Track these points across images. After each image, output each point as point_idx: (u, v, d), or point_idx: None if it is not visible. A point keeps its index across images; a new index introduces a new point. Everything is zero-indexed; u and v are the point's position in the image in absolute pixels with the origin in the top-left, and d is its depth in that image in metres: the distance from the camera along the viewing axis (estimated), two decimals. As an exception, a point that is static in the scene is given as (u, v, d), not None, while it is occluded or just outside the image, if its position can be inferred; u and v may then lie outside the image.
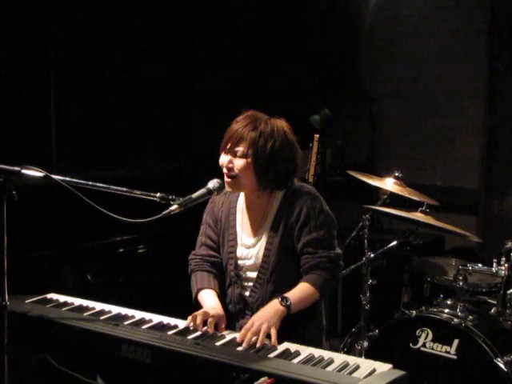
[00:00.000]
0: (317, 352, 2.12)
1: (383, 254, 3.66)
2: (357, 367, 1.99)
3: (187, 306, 2.58)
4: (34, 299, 2.60)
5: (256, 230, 2.60)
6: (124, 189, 2.31)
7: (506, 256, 3.24)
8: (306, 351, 2.13)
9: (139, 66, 4.77)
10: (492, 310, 3.29)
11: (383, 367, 2.00)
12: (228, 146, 2.50)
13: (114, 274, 3.86)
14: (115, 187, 2.30)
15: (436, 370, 3.21)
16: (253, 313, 2.55)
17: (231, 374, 1.94)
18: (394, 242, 3.63)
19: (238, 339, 2.19)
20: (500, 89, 4.80)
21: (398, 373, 1.96)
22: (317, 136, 3.63)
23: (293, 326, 2.41)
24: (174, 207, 2.29)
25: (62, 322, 2.30)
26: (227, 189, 2.55)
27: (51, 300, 2.62)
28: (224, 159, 2.52)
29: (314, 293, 2.45)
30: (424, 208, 3.48)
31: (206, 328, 2.31)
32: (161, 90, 4.95)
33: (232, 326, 2.50)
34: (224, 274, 2.68)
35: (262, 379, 1.88)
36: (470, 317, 3.26)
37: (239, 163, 2.48)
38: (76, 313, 2.46)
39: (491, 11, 4.81)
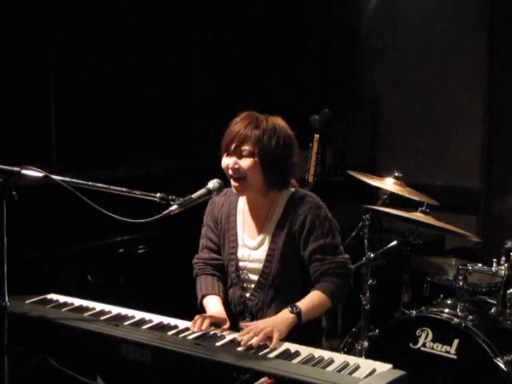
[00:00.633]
0: (317, 352, 2.12)
1: (383, 254, 3.66)
2: (357, 367, 1.99)
3: (187, 306, 2.58)
4: (34, 300, 2.60)
5: (258, 232, 2.60)
6: (124, 189, 2.31)
7: (505, 256, 3.25)
8: (305, 351, 2.13)
9: (140, 65, 4.77)
10: (492, 310, 3.29)
11: (383, 367, 2.00)
12: (232, 147, 2.48)
13: (114, 274, 3.85)
14: (115, 187, 2.30)
15: (436, 370, 3.21)
16: (252, 315, 2.56)
17: (231, 374, 1.94)
18: (394, 242, 3.63)
19: (238, 337, 2.19)
20: (500, 89, 4.80)
21: (398, 373, 1.96)
22: (317, 136, 3.63)
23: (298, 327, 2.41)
24: (173, 207, 2.29)
25: (62, 323, 2.30)
26: (235, 193, 2.55)
27: (51, 300, 2.62)
28: (228, 161, 2.49)
29: (325, 300, 2.43)
30: (424, 208, 3.48)
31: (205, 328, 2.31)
32: (161, 89, 4.94)
33: (233, 326, 2.50)
34: (226, 275, 2.68)
35: (262, 379, 1.88)
36: (470, 317, 3.26)
37: (246, 163, 2.46)
38: (76, 313, 2.46)
39: (491, 11, 4.81)
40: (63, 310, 2.51)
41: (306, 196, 2.56)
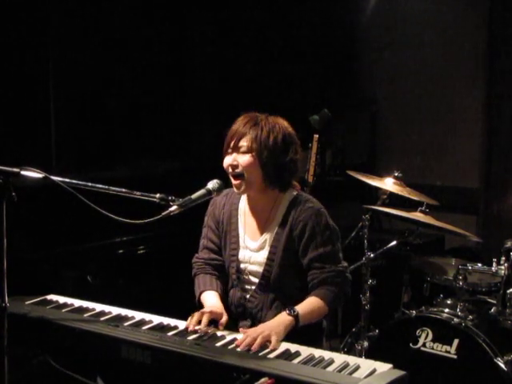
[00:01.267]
0: (317, 352, 2.12)
1: (383, 253, 3.65)
2: (357, 367, 1.99)
3: (187, 306, 2.58)
4: (34, 300, 2.60)
5: (260, 234, 2.60)
6: (123, 190, 2.31)
7: (505, 256, 3.24)
8: (306, 351, 2.13)
9: (140, 65, 4.77)
10: (492, 310, 3.28)
11: (383, 367, 2.00)
12: (231, 145, 2.50)
13: (114, 275, 3.85)
14: (115, 188, 2.30)
15: (436, 370, 3.21)
16: (253, 317, 2.56)
17: (231, 374, 1.94)
18: (394, 242, 3.62)
19: (237, 343, 2.17)
20: (500, 89, 4.80)
21: (398, 373, 1.96)
22: (316, 136, 3.62)
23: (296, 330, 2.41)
24: (173, 208, 2.29)
25: (62, 323, 2.31)
26: (236, 192, 2.55)
27: (51, 301, 2.62)
28: (228, 159, 2.51)
29: (323, 307, 2.44)
30: (424, 208, 3.48)
31: (205, 328, 2.31)
32: (161, 89, 4.94)
33: (233, 327, 2.50)
34: (227, 276, 2.68)
35: (263, 380, 1.88)
36: (470, 316, 3.26)
37: (244, 159, 2.47)
38: (76, 314, 2.46)
39: (490, 11, 4.81)
40: (63, 310, 2.50)
41: (308, 201, 2.55)
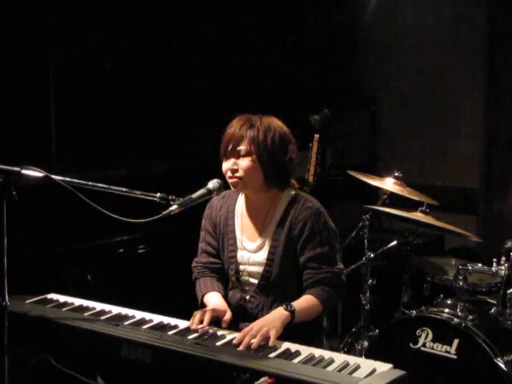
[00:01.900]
0: (317, 352, 2.12)
1: (383, 253, 3.65)
2: (357, 367, 1.99)
3: (187, 305, 2.58)
4: (34, 299, 2.60)
5: (258, 235, 2.59)
6: (124, 189, 2.31)
7: (505, 256, 3.24)
8: (306, 351, 2.13)
9: (139, 66, 4.77)
10: (492, 310, 3.28)
11: (383, 367, 2.00)
12: (229, 149, 2.48)
13: (114, 274, 3.85)
14: (115, 187, 2.30)
15: (436, 370, 3.21)
16: (253, 318, 2.55)
17: (231, 373, 1.93)
18: (394, 242, 3.62)
19: (235, 341, 2.17)
20: (500, 88, 4.80)
21: (399, 372, 1.96)
22: (317, 136, 3.62)
23: (293, 326, 2.41)
24: (173, 207, 2.29)
25: (63, 322, 2.30)
26: (233, 188, 2.53)
27: (51, 300, 2.62)
28: (227, 164, 2.50)
29: (318, 306, 2.44)
30: (424, 208, 3.48)
31: (206, 328, 2.31)
32: (161, 89, 4.94)
33: (233, 327, 2.50)
34: (227, 278, 2.68)
35: (263, 379, 1.87)
36: (470, 316, 3.26)
37: (244, 163, 2.46)
38: (76, 313, 2.46)
39: (490, 10, 4.81)
40: (63, 309, 2.50)
41: (307, 201, 2.55)
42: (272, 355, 2.09)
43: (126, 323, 2.34)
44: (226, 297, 2.64)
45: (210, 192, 2.43)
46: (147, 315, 2.45)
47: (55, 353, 2.28)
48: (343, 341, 3.88)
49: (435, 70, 5.21)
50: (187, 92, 5.19)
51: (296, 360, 2.06)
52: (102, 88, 4.50)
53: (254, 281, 2.58)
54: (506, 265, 3.22)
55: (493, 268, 3.27)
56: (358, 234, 3.78)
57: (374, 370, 1.97)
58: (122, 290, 3.76)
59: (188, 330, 2.30)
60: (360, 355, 3.46)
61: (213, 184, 2.44)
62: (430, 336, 3.23)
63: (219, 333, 2.30)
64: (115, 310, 2.51)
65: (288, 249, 2.52)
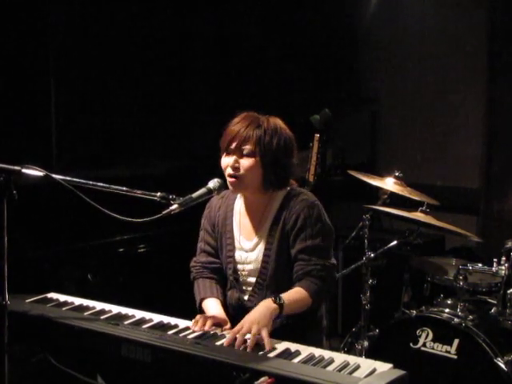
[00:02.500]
0: (317, 352, 2.11)
1: (383, 253, 3.65)
2: (357, 367, 1.99)
3: (187, 305, 2.58)
4: (34, 299, 2.60)
5: (254, 234, 2.58)
6: (124, 188, 2.31)
7: (506, 256, 3.24)
8: (306, 351, 2.13)
9: (140, 65, 4.77)
10: (492, 310, 3.28)
11: (383, 367, 2.00)
12: (232, 146, 2.47)
13: (115, 273, 3.86)
14: (115, 186, 2.30)
15: (436, 370, 3.21)
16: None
17: (231, 373, 1.93)
18: (394, 242, 3.62)
19: (226, 344, 2.15)
20: (500, 89, 4.80)
21: (399, 372, 1.96)
22: (317, 136, 3.63)
23: (293, 326, 2.41)
24: (174, 207, 2.29)
25: (62, 322, 2.30)
26: (231, 190, 2.53)
27: (51, 299, 2.62)
28: (228, 160, 2.48)
29: (307, 298, 2.40)
30: (424, 208, 3.48)
31: (207, 328, 2.31)
32: (161, 89, 4.94)
33: (233, 327, 2.49)
34: (225, 278, 2.67)
35: (263, 379, 1.87)
36: (470, 316, 3.26)
37: (247, 162, 2.46)
38: (76, 312, 2.46)
39: (491, 11, 4.81)
40: (63, 308, 2.50)
41: (301, 194, 2.54)
42: (272, 355, 2.09)
43: (126, 323, 2.34)
44: (224, 297, 2.64)
45: (210, 191, 2.42)
46: (147, 315, 2.45)
47: (55, 352, 2.28)
48: (343, 340, 3.88)
49: (435, 69, 5.20)
50: (187, 92, 5.19)
51: (296, 360, 2.05)
52: (102, 87, 4.51)
53: (252, 279, 2.58)
54: (506, 265, 3.22)
55: (493, 268, 3.27)
56: (358, 233, 3.79)
57: (374, 370, 1.97)
58: (122, 290, 3.76)
59: (188, 330, 2.30)
60: (360, 355, 3.47)
61: (213, 183, 2.44)
62: (430, 336, 3.23)
63: (219, 333, 2.30)
64: (115, 309, 2.51)
65: (283, 243, 2.50)
